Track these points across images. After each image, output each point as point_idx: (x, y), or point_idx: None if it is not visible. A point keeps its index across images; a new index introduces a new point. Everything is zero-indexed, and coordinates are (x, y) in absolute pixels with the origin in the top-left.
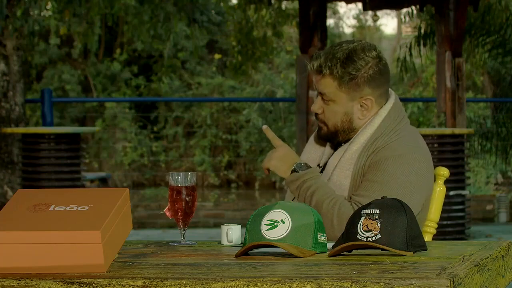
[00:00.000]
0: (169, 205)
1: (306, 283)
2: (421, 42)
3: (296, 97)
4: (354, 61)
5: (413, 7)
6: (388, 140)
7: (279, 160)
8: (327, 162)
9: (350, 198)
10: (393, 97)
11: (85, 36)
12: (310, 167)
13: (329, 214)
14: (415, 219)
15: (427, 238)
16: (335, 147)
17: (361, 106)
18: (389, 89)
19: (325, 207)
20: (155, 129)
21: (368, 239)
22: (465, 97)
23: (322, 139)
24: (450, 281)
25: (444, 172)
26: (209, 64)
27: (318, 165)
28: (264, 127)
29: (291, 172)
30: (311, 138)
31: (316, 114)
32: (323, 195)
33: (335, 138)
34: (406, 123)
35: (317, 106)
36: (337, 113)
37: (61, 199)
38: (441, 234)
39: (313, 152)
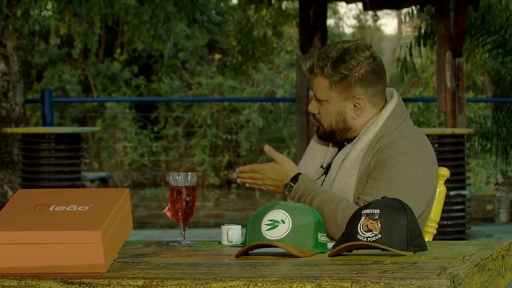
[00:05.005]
0: (169, 205)
1: (306, 283)
2: (421, 42)
3: (296, 97)
4: (345, 61)
5: (413, 7)
6: (392, 139)
7: (273, 179)
8: (331, 162)
9: (358, 198)
10: (395, 97)
11: (85, 36)
12: (298, 178)
13: (332, 217)
14: (415, 219)
15: (428, 238)
16: (339, 147)
17: (354, 105)
18: (392, 89)
19: (327, 211)
20: (155, 129)
21: (368, 239)
22: (465, 97)
23: (321, 139)
24: (451, 281)
25: (444, 172)
26: (209, 64)
27: (322, 166)
28: (266, 148)
29: (284, 188)
30: (313, 140)
31: (314, 115)
32: (321, 201)
33: (333, 138)
34: (409, 122)
35: (313, 106)
36: (330, 113)
37: (61, 199)
38: (441, 234)
39: (316, 153)
